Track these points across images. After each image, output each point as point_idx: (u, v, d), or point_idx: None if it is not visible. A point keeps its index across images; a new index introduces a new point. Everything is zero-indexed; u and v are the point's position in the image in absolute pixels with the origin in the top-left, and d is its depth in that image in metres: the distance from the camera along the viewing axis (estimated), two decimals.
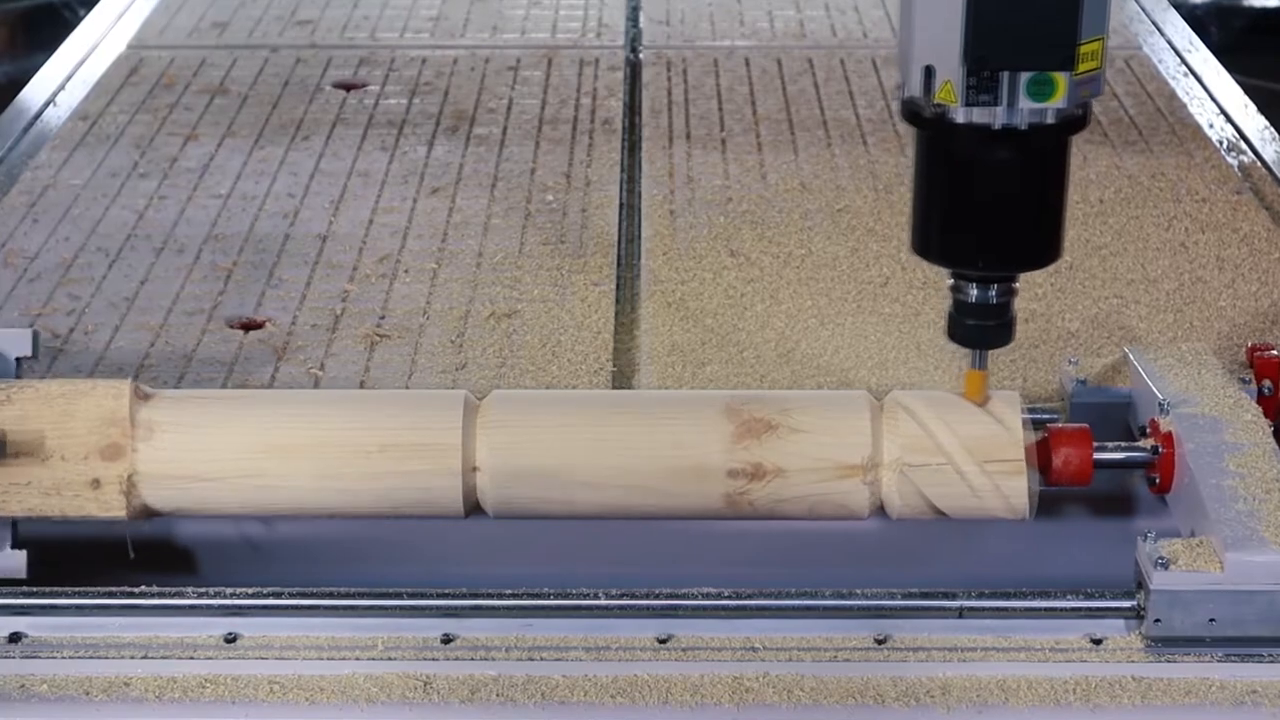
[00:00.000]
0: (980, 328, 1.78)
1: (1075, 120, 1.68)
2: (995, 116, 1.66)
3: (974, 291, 1.77)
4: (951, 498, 1.77)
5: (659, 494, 1.79)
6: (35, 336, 1.85)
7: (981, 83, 1.64)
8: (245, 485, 1.78)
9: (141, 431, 1.78)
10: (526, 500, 1.80)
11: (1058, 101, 1.65)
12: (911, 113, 1.69)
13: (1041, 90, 1.64)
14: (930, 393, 1.83)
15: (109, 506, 1.77)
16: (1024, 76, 1.64)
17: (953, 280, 1.77)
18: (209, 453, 1.78)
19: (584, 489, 1.79)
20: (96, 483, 1.77)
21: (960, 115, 1.66)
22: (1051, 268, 2.38)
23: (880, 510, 1.80)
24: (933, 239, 1.76)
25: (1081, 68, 1.64)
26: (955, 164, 1.71)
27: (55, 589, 1.75)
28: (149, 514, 1.80)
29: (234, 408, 1.82)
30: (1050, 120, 1.66)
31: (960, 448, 1.76)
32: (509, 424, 1.80)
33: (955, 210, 1.73)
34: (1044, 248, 1.75)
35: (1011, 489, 1.76)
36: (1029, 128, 1.66)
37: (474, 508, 1.80)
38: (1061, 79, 1.64)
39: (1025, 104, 1.65)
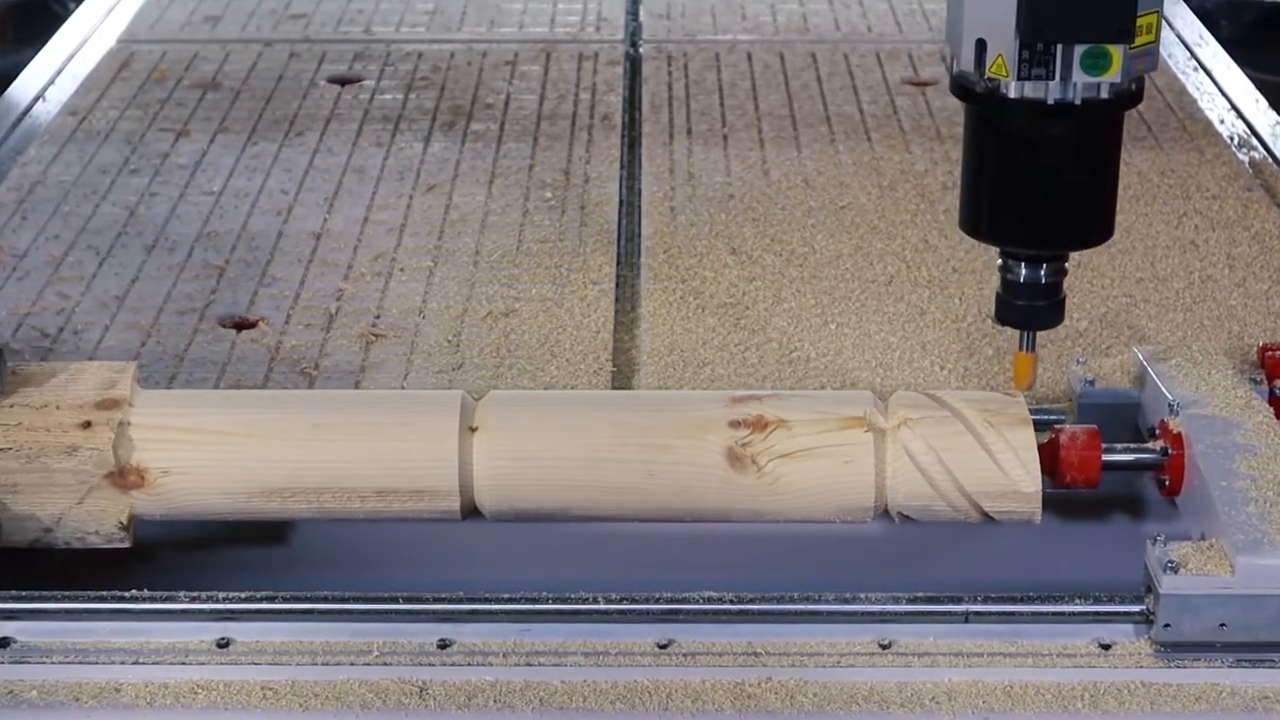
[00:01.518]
0: (1030, 308, 1.77)
1: (1130, 95, 1.67)
2: (1049, 91, 1.65)
3: (1024, 271, 1.76)
4: (961, 451, 1.76)
5: (659, 464, 1.78)
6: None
7: (1035, 56, 1.63)
8: (234, 487, 1.78)
9: (140, 399, 1.81)
10: (524, 502, 1.80)
11: (1113, 76, 1.64)
12: (962, 88, 1.68)
13: (1097, 64, 1.63)
14: (933, 416, 1.82)
15: (97, 440, 1.76)
16: (1079, 50, 1.63)
17: (1002, 260, 1.76)
18: (200, 445, 1.78)
19: (582, 494, 1.79)
20: (88, 424, 1.77)
21: (1013, 90, 1.65)
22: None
23: (885, 514, 1.80)
24: (983, 217, 1.75)
25: (1138, 41, 1.63)
26: (1007, 140, 1.70)
27: (44, 593, 1.75)
28: (137, 476, 1.78)
29: (225, 410, 1.82)
30: (1104, 95, 1.66)
31: (969, 406, 1.76)
32: (506, 425, 1.80)
33: (1006, 187, 1.72)
34: (1096, 226, 1.75)
35: (1018, 440, 1.75)
36: (1083, 103, 1.65)
37: (471, 510, 1.81)
38: (1117, 52, 1.63)
39: (1080, 78, 1.64)
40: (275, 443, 1.79)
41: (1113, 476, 1.84)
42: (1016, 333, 2.22)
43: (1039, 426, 1.82)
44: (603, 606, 1.73)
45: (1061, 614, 1.72)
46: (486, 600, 1.74)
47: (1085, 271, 2.40)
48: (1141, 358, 1.97)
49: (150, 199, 2.65)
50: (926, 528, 1.82)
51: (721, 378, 2.13)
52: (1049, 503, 1.80)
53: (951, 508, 1.78)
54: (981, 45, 1.65)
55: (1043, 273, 1.76)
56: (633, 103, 3.03)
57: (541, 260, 2.45)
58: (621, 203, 2.64)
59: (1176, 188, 2.66)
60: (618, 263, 2.45)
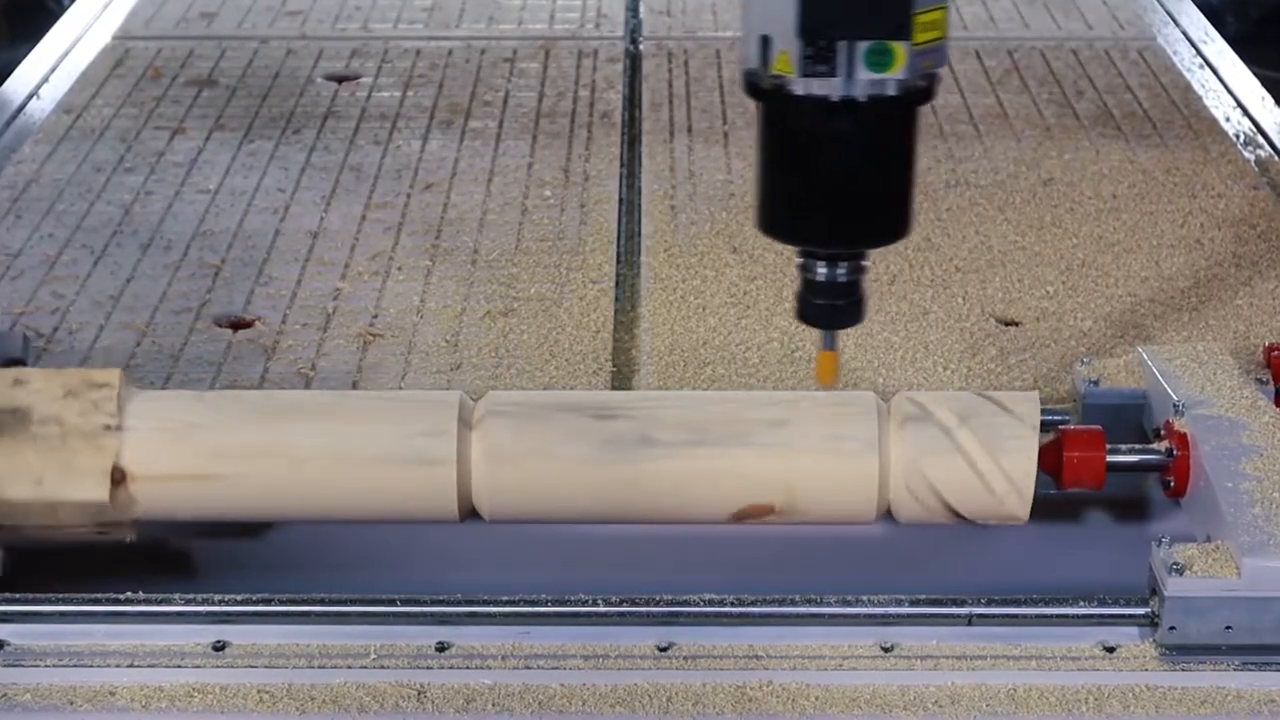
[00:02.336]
0: (830, 307, 1.78)
1: (918, 92, 1.68)
2: (833, 88, 1.65)
3: (822, 270, 1.77)
4: (953, 477, 1.76)
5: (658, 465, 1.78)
6: (25, 341, 1.85)
7: (818, 53, 1.64)
8: (229, 486, 1.78)
9: (134, 394, 1.80)
10: (523, 503, 1.80)
11: (898, 72, 1.64)
12: (751, 85, 1.69)
13: (880, 61, 1.64)
14: (934, 440, 1.81)
15: (103, 376, 1.76)
16: (862, 46, 1.63)
17: (801, 259, 1.77)
18: (194, 438, 1.78)
19: (581, 496, 1.79)
20: (74, 393, 1.77)
21: (798, 87, 1.66)
22: (1063, 265, 2.41)
23: (888, 514, 1.80)
24: (778, 217, 1.75)
25: (921, 37, 1.64)
26: (795, 138, 1.70)
27: (38, 595, 1.75)
28: (120, 473, 1.78)
29: (220, 410, 1.82)
30: (891, 91, 1.66)
31: (972, 441, 1.77)
32: (505, 426, 1.80)
33: (798, 186, 1.72)
34: (891, 223, 1.75)
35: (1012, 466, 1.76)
36: (869, 99, 1.65)
37: (469, 512, 1.80)
38: (901, 49, 1.63)
39: (864, 75, 1.64)
40: (270, 443, 1.79)
41: (1117, 478, 1.84)
42: (1019, 332, 2.23)
43: (1043, 428, 1.82)
44: (602, 609, 1.73)
45: (1066, 616, 1.72)
46: (485, 602, 1.74)
47: (1089, 271, 2.40)
48: (1146, 358, 1.97)
49: (145, 197, 2.65)
50: (929, 530, 1.82)
51: (723, 378, 2.13)
52: (1054, 504, 1.80)
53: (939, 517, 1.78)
54: (766, 42, 1.65)
55: (841, 271, 1.76)
56: (633, 100, 3.03)
57: (540, 259, 2.45)
58: (621, 201, 2.64)
59: (1182, 186, 2.67)
60: (617, 262, 2.45)
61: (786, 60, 1.64)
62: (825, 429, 1.78)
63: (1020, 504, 1.77)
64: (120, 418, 1.77)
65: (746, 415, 1.80)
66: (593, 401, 1.87)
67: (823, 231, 1.74)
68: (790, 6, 1.62)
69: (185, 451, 1.78)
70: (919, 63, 1.66)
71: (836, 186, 1.71)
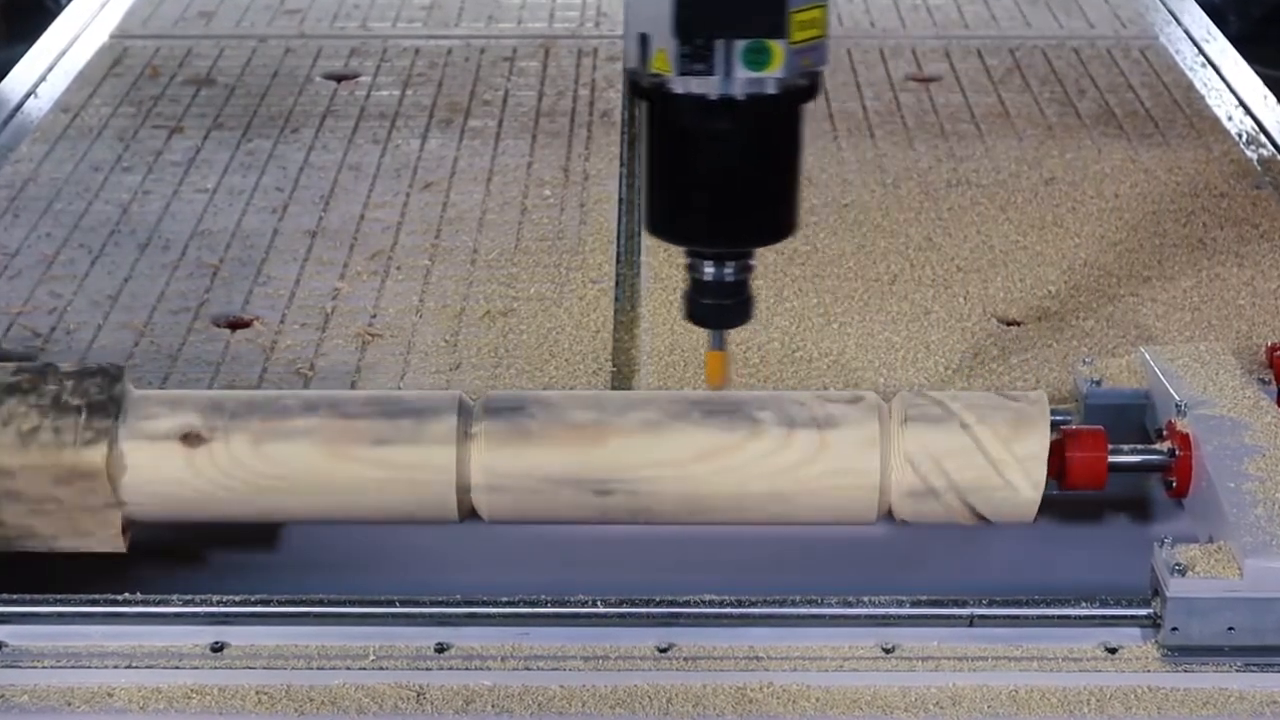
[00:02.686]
0: (718, 307, 1.78)
1: (799, 90, 1.68)
2: (712, 86, 1.65)
3: (709, 269, 1.77)
4: (960, 460, 1.76)
5: (660, 432, 1.79)
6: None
7: (695, 51, 1.64)
8: (228, 488, 1.78)
9: (132, 392, 1.80)
10: (522, 504, 1.80)
11: (776, 71, 1.65)
12: (633, 84, 1.70)
13: (758, 59, 1.64)
14: (940, 430, 1.81)
15: (108, 545, 1.76)
16: (739, 45, 1.63)
17: (688, 259, 1.77)
18: (194, 421, 1.78)
19: (580, 495, 1.79)
20: (90, 534, 1.77)
21: (677, 85, 1.66)
22: (1065, 264, 2.41)
23: (889, 515, 1.80)
24: (662, 217, 1.75)
25: (799, 36, 1.64)
26: (677, 137, 1.71)
27: (36, 596, 1.75)
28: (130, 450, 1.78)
29: (218, 410, 1.82)
30: (771, 90, 1.66)
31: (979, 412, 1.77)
32: (505, 426, 1.80)
33: (683, 186, 1.72)
34: (776, 222, 1.75)
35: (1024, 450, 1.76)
36: (748, 97, 1.65)
37: (469, 513, 1.80)
38: (778, 47, 1.64)
39: (742, 73, 1.64)
40: (268, 444, 1.79)
41: (1119, 478, 1.84)
42: (1021, 332, 2.23)
43: None
44: (602, 610, 1.73)
45: (1067, 617, 1.72)
46: (484, 603, 1.74)
47: (1091, 270, 2.40)
48: (1148, 357, 1.97)
49: (143, 197, 2.65)
50: (930, 530, 1.81)
51: None
52: (1055, 505, 1.80)
53: (949, 512, 1.78)
54: (644, 40, 1.65)
55: (729, 271, 1.76)
56: (633, 99, 3.02)
57: (540, 259, 2.45)
58: (621, 200, 2.64)
59: (1184, 185, 2.67)
60: (617, 261, 2.45)
61: (664, 59, 1.65)
62: (826, 429, 1.78)
63: (1032, 496, 1.76)
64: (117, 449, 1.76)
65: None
66: (593, 401, 1.87)
67: (706, 231, 1.75)
68: (666, 5, 1.62)
69: (182, 455, 1.78)
70: (798, 61, 1.66)
71: (718, 186, 1.72)
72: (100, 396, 1.76)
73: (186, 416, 1.80)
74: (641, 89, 1.69)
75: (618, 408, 1.85)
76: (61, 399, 1.75)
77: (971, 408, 1.79)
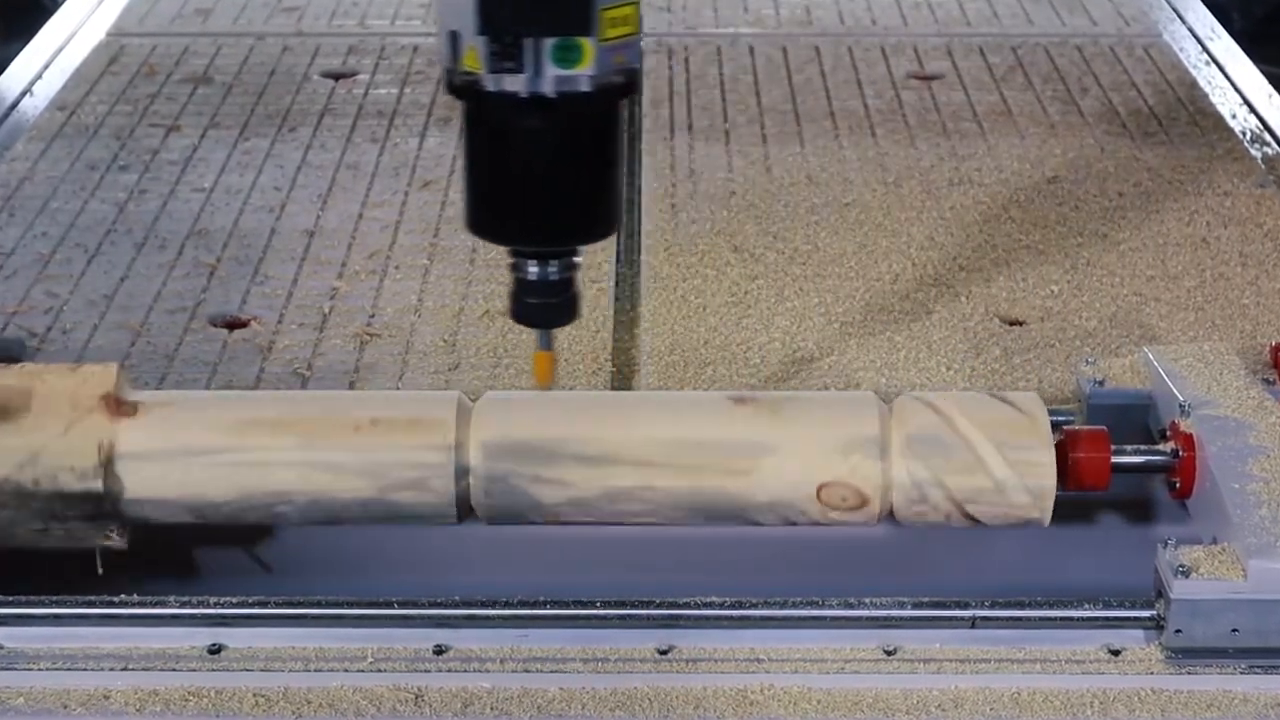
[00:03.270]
0: (544, 306, 1.78)
1: (614, 88, 1.68)
2: (522, 84, 1.66)
3: (534, 268, 1.76)
4: (966, 480, 1.76)
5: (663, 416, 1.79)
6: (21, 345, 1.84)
7: (504, 49, 1.64)
8: (226, 490, 1.78)
9: (125, 409, 1.79)
10: (521, 505, 1.80)
11: (587, 68, 1.64)
12: (449, 83, 1.69)
13: (568, 57, 1.64)
14: (941, 437, 1.81)
15: (87, 480, 1.75)
16: (549, 43, 1.64)
17: (512, 258, 1.77)
18: (190, 427, 1.77)
19: (581, 491, 1.79)
20: (75, 398, 1.77)
21: (489, 83, 1.66)
22: (1068, 264, 2.41)
23: (890, 516, 1.80)
24: (483, 217, 1.75)
25: (610, 33, 1.64)
26: (491, 136, 1.71)
27: (32, 598, 1.75)
28: (130, 407, 1.77)
29: (216, 411, 1.82)
30: (584, 88, 1.66)
31: (980, 436, 1.77)
32: (504, 427, 1.80)
33: (500, 185, 1.72)
34: (595, 220, 1.75)
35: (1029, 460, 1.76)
36: (559, 95, 1.65)
37: (468, 513, 1.80)
38: (588, 45, 1.64)
39: (552, 71, 1.65)
40: (266, 445, 1.79)
41: (1122, 479, 1.84)
42: (1023, 332, 2.23)
43: None
44: (601, 611, 1.73)
45: (1070, 619, 1.72)
46: (483, 605, 1.74)
47: (1094, 270, 2.40)
48: (1152, 358, 1.97)
49: (140, 196, 2.65)
50: (932, 532, 1.81)
51: (723, 378, 2.13)
52: (1058, 505, 1.80)
53: (953, 522, 1.78)
54: (455, 38, 1.65)
55: (553, 270, 1.76)
56: (632, 98, 3.02)
57: None
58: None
59: (1188, 184, 2.67)
60: (617, 260, 2.45)
61: (475, 57, 1.65)
62: (827, 430, 1.78)
63: (1039, 511, 1.77)
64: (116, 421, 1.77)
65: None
66: (592, 401, 1.87)
67: (526, 230, 1.75)
68: (472, 2, 1.62)
69: (180, 454, 1.78)
70: (610, 59, 1.66)
71: (535, 184, 1.72)
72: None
73: (183, 415, 1.80)
74: (455, 87, 1.69)
75: (618, 408, 1.85)
76: None
77: (974, 408, 1.79)
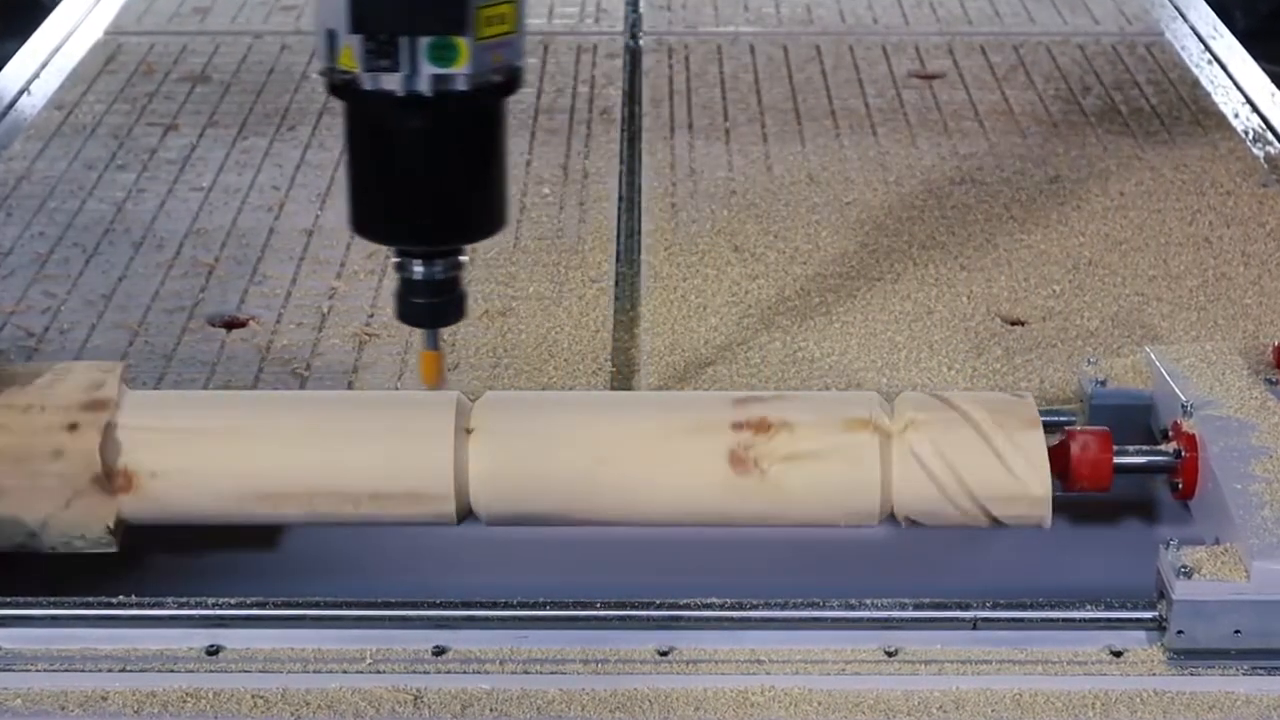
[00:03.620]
0: (430, 306, 1.77)
1: (493, 87, 1.68)
2: (398, 83, 1.65)
3: (419, 268, 1.76)
4: (969, 454, 1.76)
5: (659, 467, 1.78)
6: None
7: (379, 47, 1.63)
8: (227, 489, 1.78)
9: (127, 400, 1.80)
10: (521, 506, 1.80)
11: (464, 67, 1.64)
12: (328, 82, 1.69)
13: (443, 55, 1.64)
14: (941, 417, 1.81)
15: (84, 442, 1.76)
16: (424, 41, 1.63)
17: (398, 258, 1.76)
18: (190, 445, 1.77)
19: (579, 499, 1.79)
20: (74, 425, 1.76)
21: (366, 82, 1.66)
22: (1070, 263, 2.41)
23: (891, 517, 1.80)
24: (365, 216, 1.75)
25: (487, 31, 1.63)
26: (370, 134, 1.70)
27: (29, 599, 1.75)
28: (125, 479, 1.78)
29: (214, 412, 1.82)
30: (461, 87, 1.66)
31: (978, 507, 1.76)
32: (503, 428, 1.80)
33: (380, 184, 1.72)
34: (478, 219, 1.75)
35: (1027, 442, 1.76)
36: (436, 95, 1.65)
37: (466, 514, 1.80)
38: (464, 44, 1.63)
39: (428, 70, 1.64)
40: (266, 445, 1.79)
41: (1125, 479, 1.84)
42: (1025, 332, 2.23)
43: (1049, 429, 1.82)
44: (602, 612, 1.73)
45: (1072, 620, 1.72)
46: (482, 606, 1.74)
47: (1096, 269, 2.40)
48: (1154, 358, 1.97)
49: (138, 195, 2.65)
50: (933, 532, 1.81)
51: (724, 378, 2.13)
52: (1059, 506, 1.80)
53: (960, 511, 1.78)
54: (331, 37, 1.65)
55: (438, 269, 1.76)
56: (633, 96, 3.03)
57: (539, 258, 2.45)
58: (621, 199, 2.64)
59: (1190, 183, 2.67)
60: (617, 260, 2.45)
61: (350, 55, 1.65)
62: (828, 430, 1.78)
63: (1036, 512, 1.77)
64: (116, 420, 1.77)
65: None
66: (592, 402, 1.87)
67: (407, 230, 1.74)
68: (343, 1, 1.62)
69: (177, 453, 1.78)
70: (487, 57, 1.65)
71: (414, 184, 1.71)
72: None
73: (181, 416, 1.80)
74: (333, 86, 1.69)
75: (617, 409, 1.85)
76: None
77: (974, 408, 1.79)
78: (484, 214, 1.75)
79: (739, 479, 1.77)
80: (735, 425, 1.78)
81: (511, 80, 1.70)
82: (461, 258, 1.78)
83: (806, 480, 1.77)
